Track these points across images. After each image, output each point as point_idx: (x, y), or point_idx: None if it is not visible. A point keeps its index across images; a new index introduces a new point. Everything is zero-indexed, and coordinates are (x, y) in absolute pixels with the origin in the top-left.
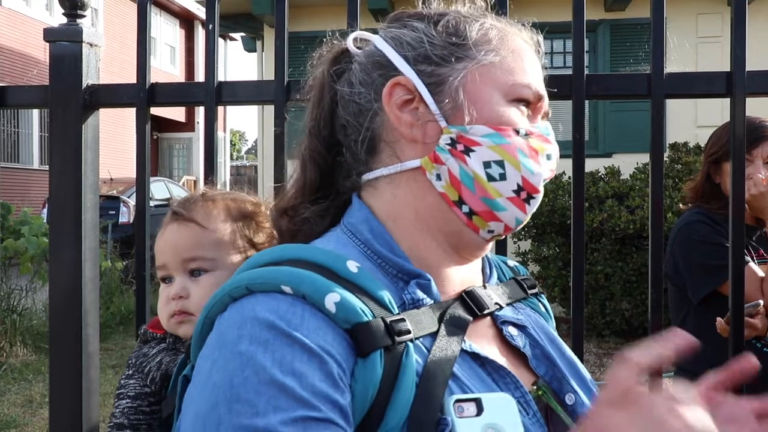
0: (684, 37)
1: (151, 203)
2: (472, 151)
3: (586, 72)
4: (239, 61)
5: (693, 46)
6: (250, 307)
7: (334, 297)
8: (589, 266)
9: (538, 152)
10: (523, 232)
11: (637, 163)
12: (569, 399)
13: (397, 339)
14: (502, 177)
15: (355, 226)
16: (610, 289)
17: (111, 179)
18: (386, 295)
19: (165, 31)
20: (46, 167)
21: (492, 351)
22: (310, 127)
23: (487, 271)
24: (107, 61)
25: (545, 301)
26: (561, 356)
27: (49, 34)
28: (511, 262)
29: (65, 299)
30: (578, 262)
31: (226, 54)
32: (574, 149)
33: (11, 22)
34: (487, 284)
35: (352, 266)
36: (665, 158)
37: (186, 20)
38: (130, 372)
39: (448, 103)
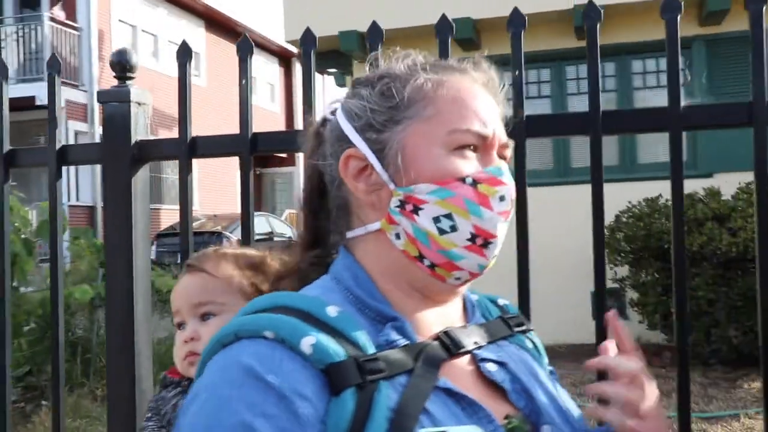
0: None
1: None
2: (421, 209)
3: (682, 98)
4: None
5: None
6: (235, 353)
7: (310, 340)
8: (690, 291)
9: (488, 196)
10: (619, 258)
11: (740, 183)
12: (545, 430)
13: (369, 377)
14: (453, 229)
15: (340, 273)
16: (715, 315)
17: (215, 215)
18: (362, 337)
19: (265, 70)
20: (156, 206)
21: (468, 387)
22: (304, 195)
23: (470, 311)
24: (206, 100)
25: (535, 338)
26: (543, 391)
27: (101, 96)
28: (502, 301)
29: (119, 337)
30: (680, 288)
31: (324, 88)
32: (673, 178)
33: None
34: (468, 324)
35: (332, 311)
36: None
37: (284, 58)
38: (149, 415)
39: (393, 166)
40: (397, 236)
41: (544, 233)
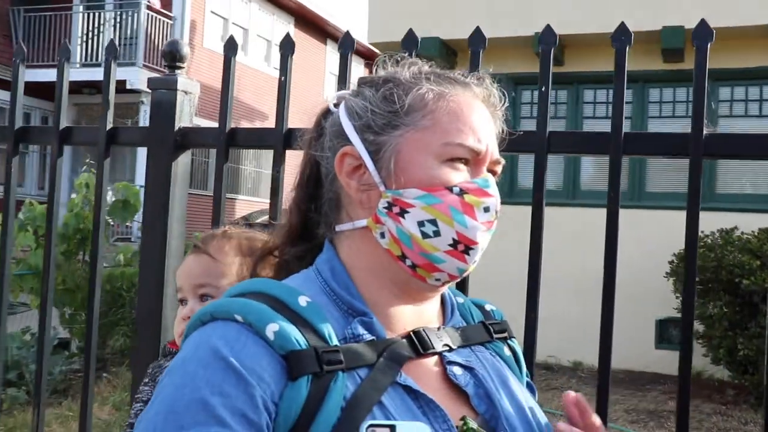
0: None
1: None
2: (407, 212)
3: None
4: None
5: None
6: (208, 332)
7: (274, 327)
8: (759, 329)
9: (473, 206)
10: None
11: None
12: None
13: (326, 367)
14: (436, 234)
15: (320, 266)
16: None
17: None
18: (327, 329)
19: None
20: (232, 195)
21: (430, 387)
22: (299, 180)
23: (448, 313)
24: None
25: (516, 347)
26: (510, 399)
27: (151, 83)
28: (489, 306)
29: (149, 314)
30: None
31: None
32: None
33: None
34: (443, 326)
35: (302, 301)
36: None
37: (368, 58)
38: (147, 380)
39: (385, 169)
40: (382, 235)
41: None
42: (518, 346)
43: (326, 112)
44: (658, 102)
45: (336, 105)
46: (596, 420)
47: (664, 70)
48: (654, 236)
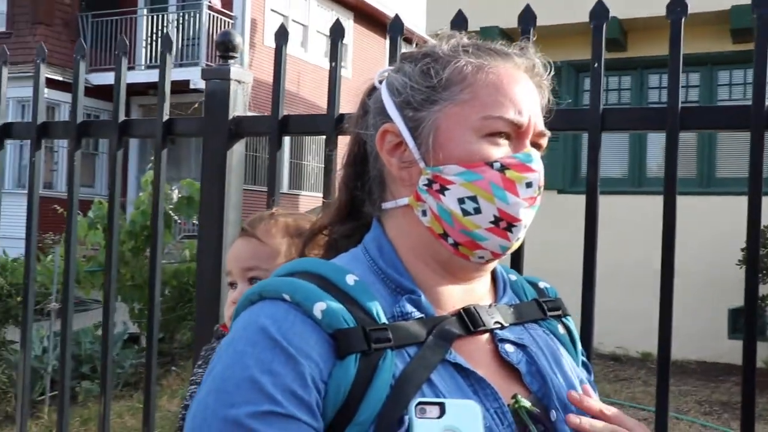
0: None
1: None
2: (447, 189)
3: None
4: None
5: None
6: (256, 312)
7: (321, 305)
8: None
9: (515, 182)
10: (761, 275)
11: None
12: (552, 415)
13: (375, 345)
14: (477, 211)
15: (368, 244)
16: None
17: None
18: (375, 307)
19: None
20: (296, 191)
21: (481, 364)
22: (346, 158)
23: (500, 290)
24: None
25: (570, 323)
26: (563, 377)
27: (205, 74)
28: (543, 283)
29: (207, 305)
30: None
31: None
32: None
33: (290, 66)
34: (495, 303)
35: (350, 279)
36: None
37: None
38: (200, 362)
39: (425, 145)
40: (423, 213)
41: (682, 244)
42: (573, 324)
43: (371, 90)
44: (728, 84)
45: (380, 82)
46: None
47: (733, 52)
48: (726, 223)
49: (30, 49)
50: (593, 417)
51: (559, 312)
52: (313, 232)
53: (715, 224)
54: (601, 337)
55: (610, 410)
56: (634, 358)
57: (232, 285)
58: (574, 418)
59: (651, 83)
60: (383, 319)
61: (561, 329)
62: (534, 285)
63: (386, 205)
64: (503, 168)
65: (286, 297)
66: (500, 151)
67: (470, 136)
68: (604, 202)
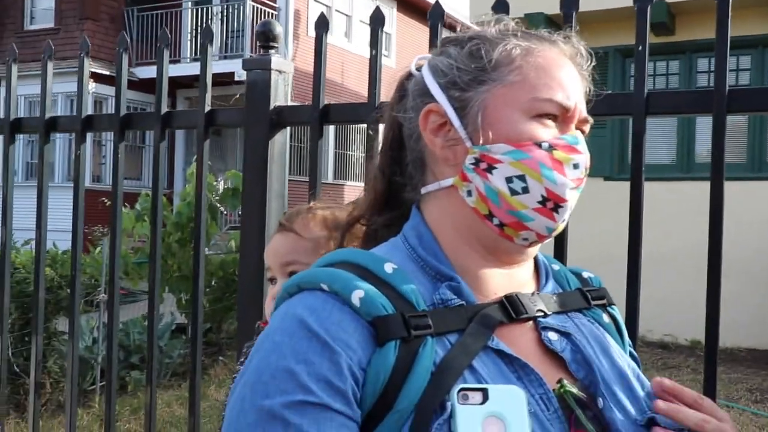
0: None
1: None
2: (495, 168)
3: None
4: None
5: None
6: (294, 303)
7: (360, 293)
8: None
9: (563, 163)
10: None
11: None
12: (599, 403)
13: (414, 332)
14: (525, 190)
15: (407, 232)
16: None
17: None
18: (414, 294)
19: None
20: (341, 181)
21: (524, 352)
22: (382, 144)
23: (543, 279)
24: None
25: (616, 313)
26: (610, 365)
27: (246, 64)
28: (587, 273)
29: (250, 296)
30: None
31: None
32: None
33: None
34: (538, 292)
35: (388, 267)
36: None
37: None
38: (242, 359)
39: (472, 125)
40: (469, 193)
41: (730, 229)
42: (619, 313)
43: (408, 76)
44: None
45: (418, 69)
46: (700, 398)
47: None
48: None
49: (77, 44)
50: (686, 405)
51: (604, 301)
52: (349, 222)
53: (766, 210)
54: (649, 324)
55: (704, 399)
56: (683, 345)
57: (272, 280)
58: (662, 403)
59: (700, 67)
60: (423, 306)
61: (606, 318)
62: (577, 275)
63: (428, 188)
64: (551, 148)
65: (324, 287)
66: (548, 132)
67: (519, 116)
68: (652, 188)
